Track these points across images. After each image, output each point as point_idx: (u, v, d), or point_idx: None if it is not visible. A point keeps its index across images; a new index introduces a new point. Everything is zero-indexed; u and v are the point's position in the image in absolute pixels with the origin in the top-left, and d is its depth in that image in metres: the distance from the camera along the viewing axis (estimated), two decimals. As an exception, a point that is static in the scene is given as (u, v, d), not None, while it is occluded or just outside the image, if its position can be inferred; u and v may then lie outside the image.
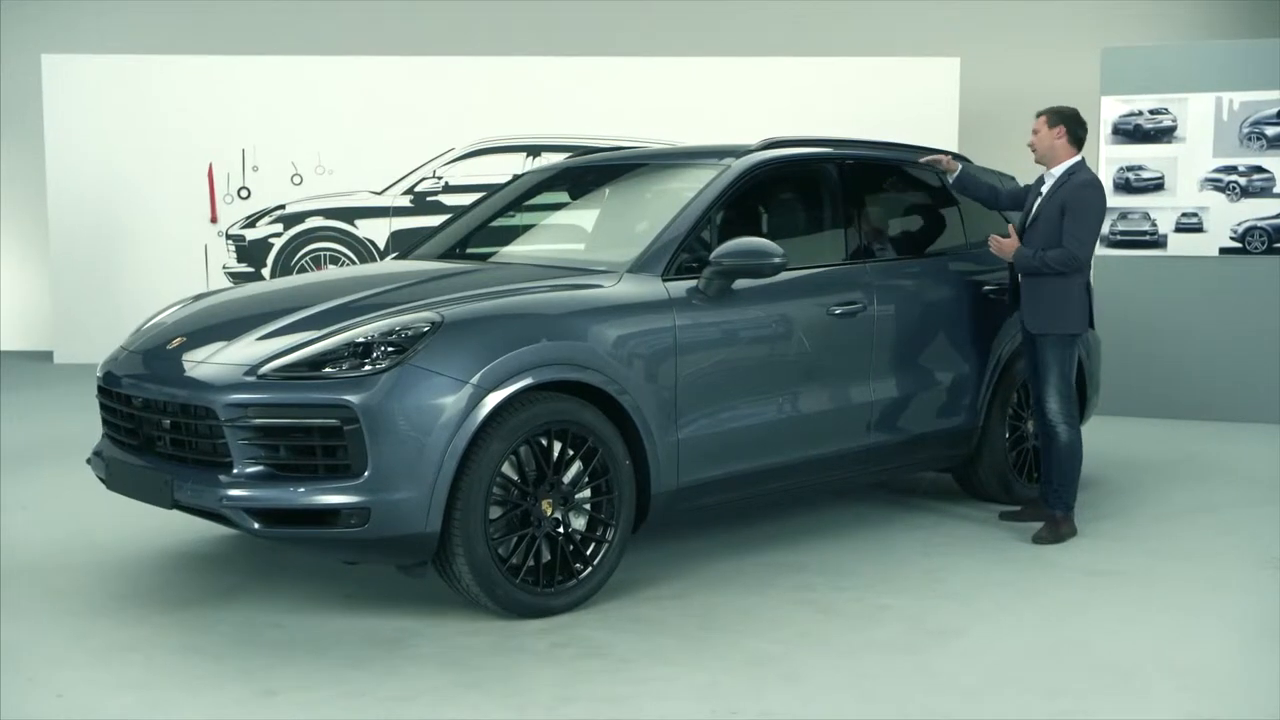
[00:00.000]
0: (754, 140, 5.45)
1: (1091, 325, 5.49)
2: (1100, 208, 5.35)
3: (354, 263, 11.57)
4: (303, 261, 11.61)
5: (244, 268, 11.67)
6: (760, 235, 5.19)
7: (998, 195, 5.73)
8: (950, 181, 5.74)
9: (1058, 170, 5.38)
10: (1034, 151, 5.45)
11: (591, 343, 4.35)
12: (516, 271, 4.91)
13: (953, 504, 6.01)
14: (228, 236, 11.69)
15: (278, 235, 11.64)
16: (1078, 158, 5.40)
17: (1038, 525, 5.47)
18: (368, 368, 4.01)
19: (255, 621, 4.26)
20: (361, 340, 4.08)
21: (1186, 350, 8.67)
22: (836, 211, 5.48)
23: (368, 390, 3.94)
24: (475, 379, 4.05)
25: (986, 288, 5.80)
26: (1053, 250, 5.24)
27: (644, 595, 4.55)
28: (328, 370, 4.04)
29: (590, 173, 6.04)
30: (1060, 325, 5.31)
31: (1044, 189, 5.43)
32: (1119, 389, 8.04)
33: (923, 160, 5.79)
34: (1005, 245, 5.39)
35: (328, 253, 11.63)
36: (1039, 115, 5.48)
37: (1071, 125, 5.42)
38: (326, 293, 4.65)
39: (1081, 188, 5.29)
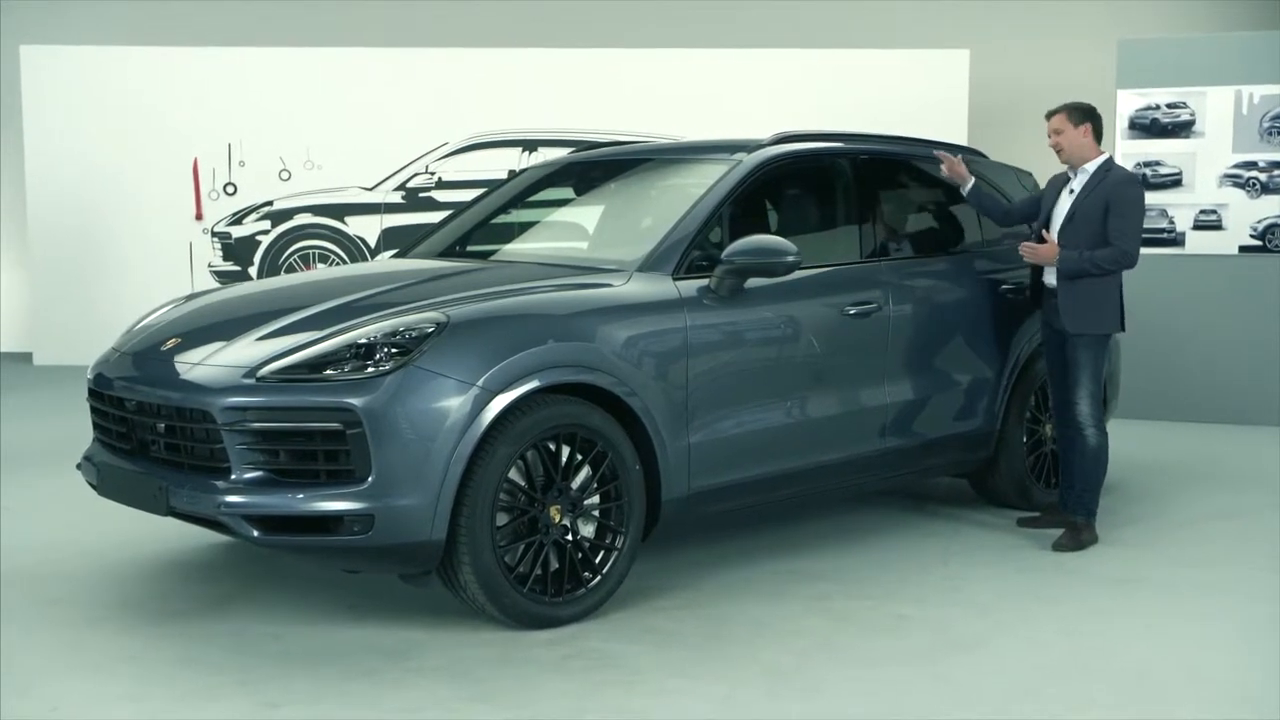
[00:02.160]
0: (763, 134, 5.46)
1: (1123, 326, 5.47)
2: (1143, 203, 5.41)
3: (344, 261, 11.56)
4: (291, 260, 11.60)
5: (230, 266, 11.66)
6: (772, 233, 5.22)
7: (1009, 214, 5.75)
8: (965, 192, 5.70)
9: (1091, 167, 5.37)
10: (1060, 152, 5.42)
11: (600, 344, 4.36)
12: (522, 270, 4.91)
13: (969, 510, 6.01)
14: (213, 234, 11.67)
15: (265, 233, 11.63)
16: (1105, 154, 5.42)
17: (1056, 532, 5.47)
18: (370, 370, 4.01)
19: (254, 632, 4.25)
20: (364, 341, 4.08)
21: (1206, 351, 8.69)
22: (851, 208, 5.49)
23: (371, 393, 3.94)
24: (481, 381, 4.05)
25: (1004, 287, 5.81)
26: (1102, 250, 5.24)
27: (655, 605, 4.55)
28: (329, 372, 4.03)
29: (595, 168, 6.04)
30: (1099, 325, 5.32)
31: (1074, 187, 5.41)
32: (1137, 391, 8.05)
33: (936, 154, 5.74)
34: (1043, 251, 5.35)
35: (317, 250, 11.62)
36: (1055, 114, 5.44)
37: (1096, 120, 5.43)
38: (326, 292, 4.65)
39: (1124, 185, 5.31)
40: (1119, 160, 8.74)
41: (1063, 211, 5.42)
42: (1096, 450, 5.36)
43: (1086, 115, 5.41)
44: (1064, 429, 5.50)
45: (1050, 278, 5.44)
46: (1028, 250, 5.42)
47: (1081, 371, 5.34)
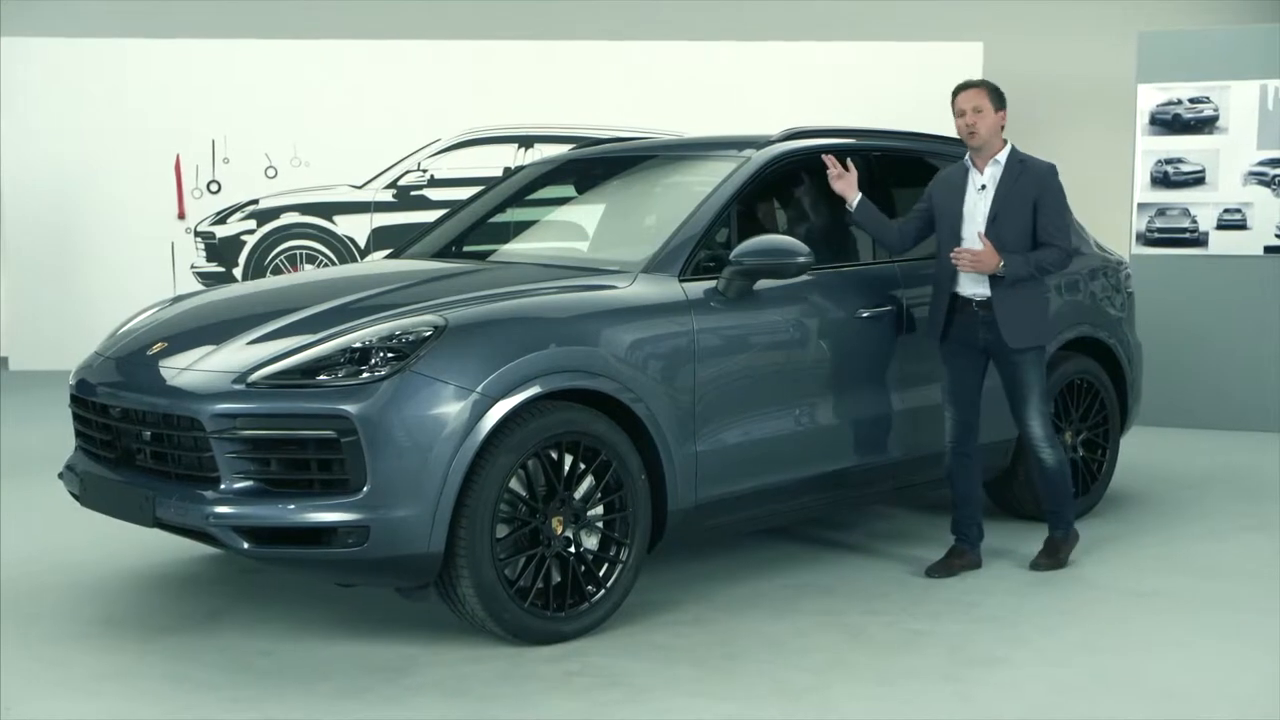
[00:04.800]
0: (772, 130, 5.47)
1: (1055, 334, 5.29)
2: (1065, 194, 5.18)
3: (333, 262, 11.56)
4: (277, 261, 11.61)
5: (214, 267, 11.66)
6: (782, 232, 5.23)
7: (903, 237, 5.24)
8: (851, 208, 5.17)
9: (1001, 157, 5.09)
10: (972, 135, 5.04)
11: (604, 348, 4.36)
12: (523, 271, 4.92)
13: (986, 521, 5.99)
14: (196, 234, 11.68)
15: (250, 232, 11.63)
16: (1009, 143, 5.15)
17: (972, 575, 5.18)
18: (366, 375, 4.01)
19: (244, 648, 4.25)
20: (359, 345, 4.09)
21: (1229, 356, 8.69)
22: (864, 207, 5.50)
23: (366, 399, 3.94)
24: (481, 387, 4.06)
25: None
26: (1044, 251, 4.99)
27: (661, 620, 4.55)
28: (323, 378, 4.04)
29: (596, 166, 6.06)
30: (1039, 336, 5.12)
31: (984, 184, 5.07)
32: (1157, 397, 8.05)
33: (825, 159, 5.20)
34: (986, 257, 4.92)
35: (304, 251, 11.63)
36: (971, 88, 5.10)
37: (1005, 109, 5.15)
38: (320, 294, 4.66)
39: (1049, 176, 5.07)
40: (1138, 157, 8.80)
41: (979, 213, 5.04)
42: (1058, 467, 5.21)
43: (1003, 101, 5.11)
44: (964, 454, 5.22)
45: (974, 288, 5.04)
46: (967, 259, 4.95)
47: (1030, 390, 5.11)
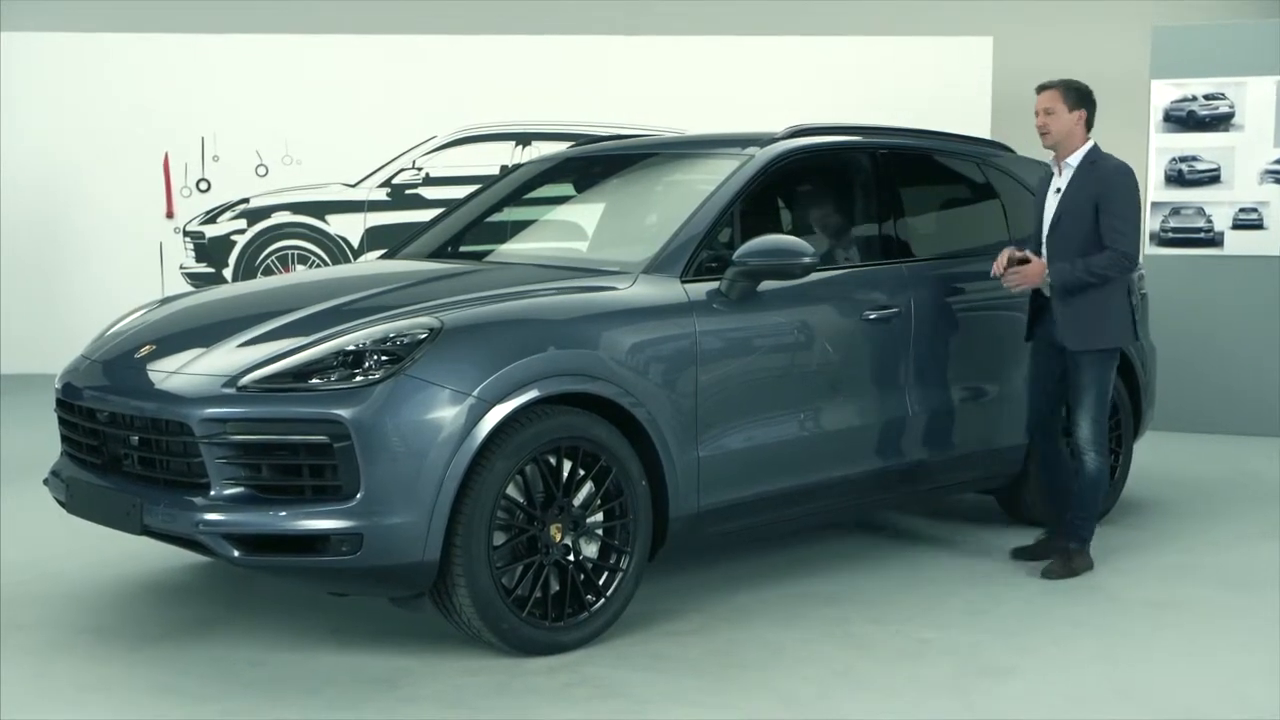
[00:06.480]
0: (777, 127, 5.48)
1: (1137, 336, 5.35)
2: (1139, 195, 5.20)
3: (325, 263, 11.57)
4: (269, 261, 11.62)
5: (203, 268, 11.68)
6: (787, 232, 5.23)
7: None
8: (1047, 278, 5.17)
9: (1075, 159, 5.15)
10: (1045, 135, 5.16)
11: (604, 351, 4.37)
12: (520, 272, 4.93)
13: (997, 528, 6.01)
14: (185, 233, 11.69)
15: (241, 232, 11.65)
16: (1091, 142, 5.20)
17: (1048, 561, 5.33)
18: (359, 379, 4.02)
19: (234, 659, 4.26)
20: (352, 348, 4.09)
21: (1246, 358, 8.70)
22: (870, 206, 5.52)
23: (360, 404, 3.94)
24: (477, 391, 4.06)
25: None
26: (1098, 256, 5.04)
27: (662, 629, 4.56)
28: (315, 381, 4.04)
29: (596, 164, 6.07)
30: (1103, 339, 5.15)
31: (1060, 185, 5.18)
32: (1172, 402, 8.06)
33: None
34: (1030, 273, 5.12)
35: (296, 251, 11.64)
36: (1047, 89, 5.18)
37: (1091, 107, 5.19)
38: (313, 295, 4.67)
39: (1115, 174, 5.10)
40: (1151, 155, 8.80)
41: (1050, 215, 5.20)
42: (1096, 476, 5.23)
43: (1083, 100, 5.16)
44: (1045, 447, 5.32)
45: (1045, 286, 5.22)
46: (1015, 279, 5.15)
47: (1085, 393, 5.16)
